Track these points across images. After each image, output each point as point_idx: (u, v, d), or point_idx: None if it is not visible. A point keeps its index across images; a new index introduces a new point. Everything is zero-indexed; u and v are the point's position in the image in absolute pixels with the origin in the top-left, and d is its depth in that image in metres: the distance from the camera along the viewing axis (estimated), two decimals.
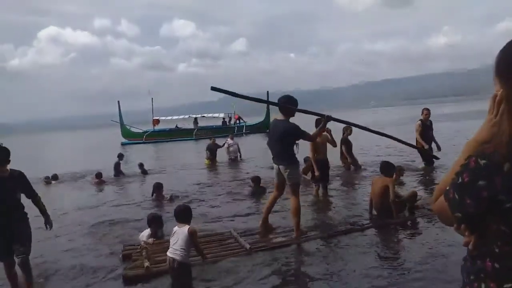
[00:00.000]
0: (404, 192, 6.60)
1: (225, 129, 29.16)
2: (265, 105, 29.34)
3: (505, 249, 0.96)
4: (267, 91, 29.65)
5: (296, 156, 5.34)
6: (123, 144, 28.64)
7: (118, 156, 13.01)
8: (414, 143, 9.08)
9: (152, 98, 30.46)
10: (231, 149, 14.38)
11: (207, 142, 15.90)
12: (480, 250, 1.03)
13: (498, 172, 0.91)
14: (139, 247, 4.91)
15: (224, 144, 14.69)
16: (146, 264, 4.36)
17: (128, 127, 31.41)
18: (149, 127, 31.45)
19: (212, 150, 14.50)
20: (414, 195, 6.14)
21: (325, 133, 6.99)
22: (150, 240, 5.12)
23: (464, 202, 0.98)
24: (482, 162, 0.95)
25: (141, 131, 31.23)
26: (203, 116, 33.60)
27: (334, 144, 7.72)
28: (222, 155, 14.55)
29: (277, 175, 5.33)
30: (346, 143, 10.36)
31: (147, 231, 5.42)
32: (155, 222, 5.44)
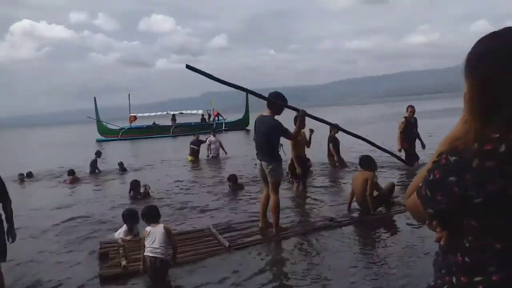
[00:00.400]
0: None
1: (203, 126, 29.11)
2: (245, 102, 29.44)
3: (475, 244, 0.97)
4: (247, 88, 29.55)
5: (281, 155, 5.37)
6: (98, 141, 28.34)
7: (95, 154, 12.82)
8: (396, 141, 9.16)
9: (129, 95, 30.10)
10: (212, 146, 14.23)
11: (185, 139, 15.80)
12: (451, 245, 1.04)
13: (468, 168, 0.93)
14: (116, 245, 4.83)
15: (206, 140, 14.53)
16: (123, 262, 4.30)
17: (104, 123, 31.04)
18: (127, 124, 31.13)
19: (195, 146, 14.31)
20: (392, 187, 6.29)
21: (303, 130, 7.04)
22: (128, 237, 5.08)
23: (435, 198, 0.99)
24: (452, 158, 0.96)
25: (117, 127, 30.91)
26: (181, 113, 33.19)
27: (308, 144, 7.76)
28: (203, 152, 14.44)
29: (260, 171, 5.35)
30: (333, 141, 10.25)
31: (123, 228, 5.38)
32: (131, 218, 5.40)
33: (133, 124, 31.06)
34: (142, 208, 4.49)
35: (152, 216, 4.36)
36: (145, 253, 4.09)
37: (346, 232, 5.36)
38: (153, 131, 29.90)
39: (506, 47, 0.96)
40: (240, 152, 14.61)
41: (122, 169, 12.42)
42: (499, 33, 0.99)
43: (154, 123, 32.01)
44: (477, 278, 0.96)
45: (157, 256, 4.04)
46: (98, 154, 12.85)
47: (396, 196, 6.39)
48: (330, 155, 10.35)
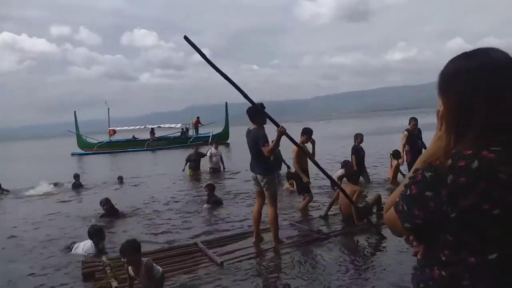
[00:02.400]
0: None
1: (181, 140, 29.53)
2: (225, 115, 29.46)
3: (451, 258, 1.00)
4: (226, 102, 29.99)
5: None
6: (73, 154, 28.23)
7: (74, 177, 12.32)
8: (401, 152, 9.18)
9: (108, 109, 30.03)
10: (213, 159, 13.59)
11: (161, 152, 15.44)
12: (428, 259, 1.06)
13: (443, 184, 0.95)
14: (101, 264, 4.66)
15: (207, 153, 13.91)
16: (115, 284, 4.10)
17: (84, 137, 31.10)
18: (107, 138, 31.06)
19: (193, 160, 13.72)
20: (378, 198, 6.48)
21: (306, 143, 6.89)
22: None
23: (412, 213, 1.02)
24: (428, 174, 0.99)
25: (96, 141, 30.87)
26: (159, 127, 33.10)
27: (311, 156, 6.80)
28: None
29: (255, 184, 5.33)
30: (357, 152, 9.52)
31: (88, 243, 5.37)
32: (96, 235, 5.37)
33: (113, 138, 31.03)
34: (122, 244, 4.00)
35: (129, 253, 3.78)
36: None
37: (338, 243, 5.42)
38: (128, 145, 29.84)
39: (476, 68, 1.00)
40: (232, 167, 14.30)
41: (121, 181, 12.74)
42: (470, 54, 1.04)
43: (133, 136, 31.97)
44: None
45: None
46: (77, 178, 12.33)
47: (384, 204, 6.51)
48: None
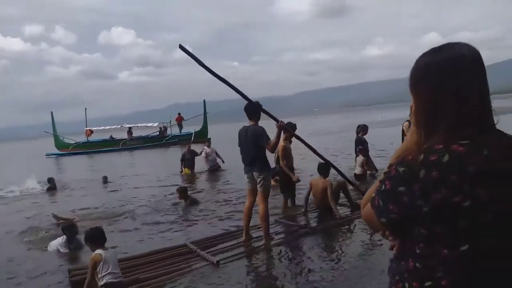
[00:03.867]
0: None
1: (158, 139, 29.58)
2: (203, 113, 29.36)
3: (425, 251, 1.02)
4: (204, 100, 29.92)
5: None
6: (48, 155, 27.94)
7: (48, 181, 12.09)
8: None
9: (85, 109, 29.68)
10: (210, 158, 13.01)
11: (139, 152, 14.94)
12: (403, 252, 1.08)
13: (416, 178, 0.97)
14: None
15: (201, 152, 13.28)
16: None
17: (61, 138, 30.78)
18: (84, 138, 30.82)
19: (187, 159, 13.11)
20: (342, 184, 6.71)
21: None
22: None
23: (387, 208, 1.04)
24: (401, 169, 1.01)
25: (73, 142, 30.63)
26: (136, 126, 32.84)
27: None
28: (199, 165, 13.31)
29: (250, 181, 5.29)
30: (362, 144, 9.28)
31: (62, 239, 5.45)
32: (68, 230, 5.50)
33: (90, 138, 30.77)
34: (88, 231, 4.12)
35: (102, 239, 4.00)
36: (109, 280, 3.76)
37: (325, 236, 5.57)
38: (104, 144, 29.56)
39: (443, 63, 1.02)
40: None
41: (105, 181, 12.62)
42: (438, 49, 1.06)
43: (111, 136, 31.64)
44: (428, 283, 1.00)
45: (122, 280, 3.87)
46: (52, 182, 12.10)
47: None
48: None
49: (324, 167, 6.47)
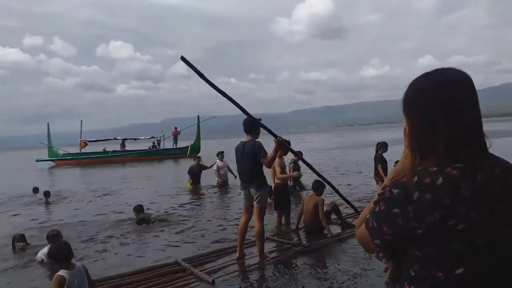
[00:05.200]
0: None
1: (147, 153, 30.26)
2: (197, 128, 29.54)
3: (420, 273, 1.01)
4: (198, 116, 30.14)
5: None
6: (37, 161, 29.30)
7: (44, 195, 11.84)
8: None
9: (81, 121, 29.80)
10: (221, 172, 12.58)
11: (130, 166, 14.72)
12: (398, 274, 1.08)
13: (410, 200, 0.98)
14: None
15: (212, 166, 12.91)
16: None
17: (55, 149, 30.98)
18: (78, 150, 31.05)
19: (194, 173, 12.74)
20: (334, 206, 6.71)
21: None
22: None
23: (382, 230, 1.04)
24: (395, 191, 1.01)
25: (66, 153, 30.93)
26: (126, 139, 32.91)
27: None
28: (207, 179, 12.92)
29: (246, 198, 5.21)
30: (382, 162, 9.14)
31: (45, 249, 5.33)
32: (53, 239, 5.34)
33: (83, 150, 30.80)
34: (51, 248, 3.72)
35: (67, 255, 3.45)
36: None
37: (319, 254, 5.53)
38: (96, 158, 29.56)
39: (435, 88, 1.04)
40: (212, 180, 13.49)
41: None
42: (430, 74, 1.08)
43: (104, 149, 31.68)
44: None
45: None
46: (47, 194, 11.90)
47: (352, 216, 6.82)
48: (379, 177, 9.01)
49: (318, 185, 6.45)
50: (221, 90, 4.42)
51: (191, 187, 12.55)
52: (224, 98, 4.34)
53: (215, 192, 11.86)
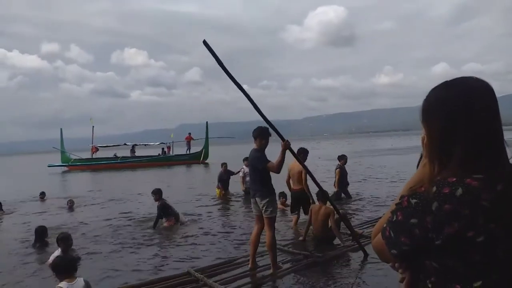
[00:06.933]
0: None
1: (157, 159, 30.51)
2: (205, 134, 29.74)
3: (437, 285, 0.99)
4: (206, 122, 30.45)
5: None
6: (49, 166, 30.18)
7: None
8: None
9: (93, 127, 30.38)
10: (247, 178, 11.93)
11: (141, 171, 14.87)
12: (415, 285, 1.06)
13: (428, 211, 0.96)
14: None
15: (239, 172, 12.55)
16: None
17: (68, 154, 31.49)
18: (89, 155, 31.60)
19: (224, 180, 12.46)
20: (343, 214, 6.51)
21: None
22: None
23: (399, 239, 1.02)
24: (413, 201, 0.99)
25: (78, 158, 31.45)
26: (136, 145, 33.40)
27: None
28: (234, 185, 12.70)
29: (255, 207, 5.12)
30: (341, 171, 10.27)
31: (58, 252, 5.41)
32: (63, 242, 5.47)
33: (95, 155, 31.28)
34: (54, 260, 3.73)
35: (70, 268, 3.47)
36: None
37: (330, 266, 5.42)
38: (106, 163, 29.93)
39: (456, 97, 1.02)
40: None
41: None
42: (450, 83, 1.06)
43: (115, 154, 32.08)
44: None
45: None
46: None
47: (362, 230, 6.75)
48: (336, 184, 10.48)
49: (323, 194, 6.42)
50: (237, 82, 4.58)
51: (220, 194, 12.24)
52: (245, 106, 4.40)
53: (241, 200, 11.49)
